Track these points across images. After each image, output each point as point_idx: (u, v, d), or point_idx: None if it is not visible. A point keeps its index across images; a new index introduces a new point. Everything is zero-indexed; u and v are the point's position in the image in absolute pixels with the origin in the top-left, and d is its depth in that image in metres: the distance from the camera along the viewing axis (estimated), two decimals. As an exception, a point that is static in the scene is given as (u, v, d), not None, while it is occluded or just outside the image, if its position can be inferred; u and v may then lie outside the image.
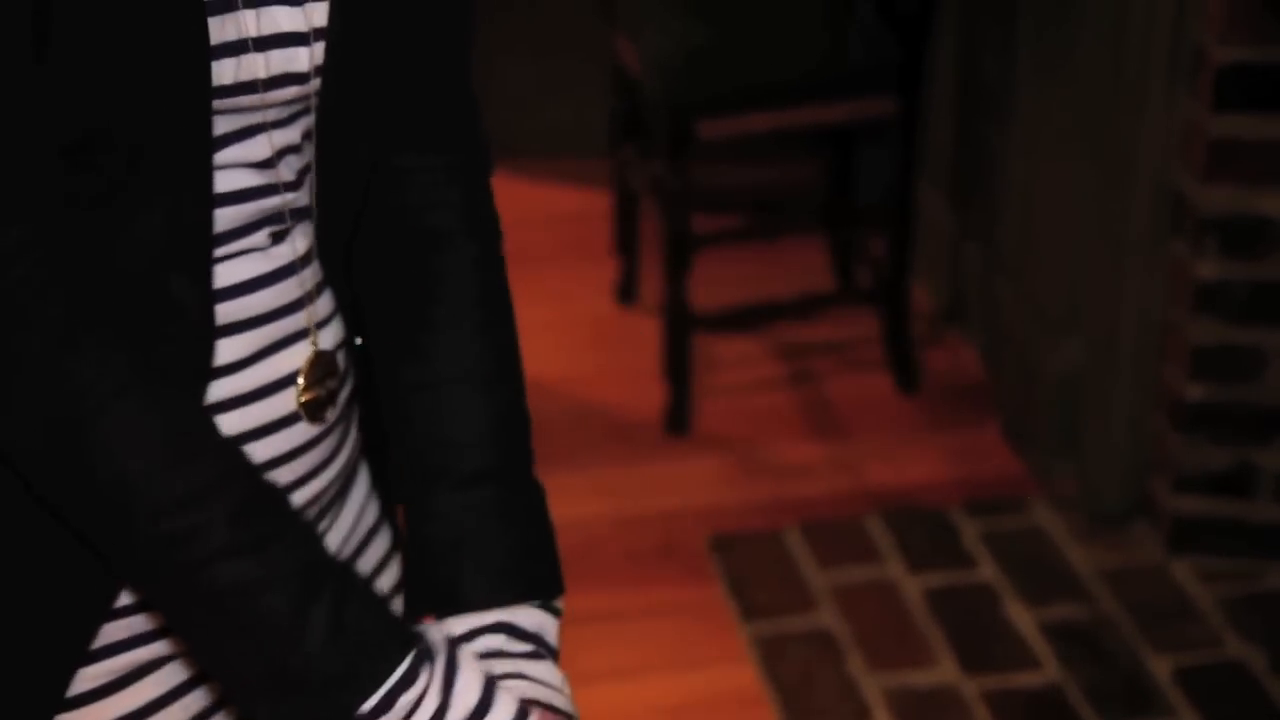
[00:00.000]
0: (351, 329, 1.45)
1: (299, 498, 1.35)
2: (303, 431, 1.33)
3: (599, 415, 3.63)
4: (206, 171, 1.23)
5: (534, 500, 1.41)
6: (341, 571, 1.21)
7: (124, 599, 1.30)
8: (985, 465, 3.54)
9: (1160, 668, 2.96)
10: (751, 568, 3.25)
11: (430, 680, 1.18)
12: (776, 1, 3.79)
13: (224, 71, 1.19)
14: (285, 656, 1.15)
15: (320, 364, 1.34)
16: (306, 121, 1.31)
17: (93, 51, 1.16)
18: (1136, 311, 3.22)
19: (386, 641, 1.18)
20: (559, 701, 1.35)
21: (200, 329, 1.26)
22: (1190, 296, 3.09)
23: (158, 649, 1.33)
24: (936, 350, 3.90)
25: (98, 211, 1.19)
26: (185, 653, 1.34)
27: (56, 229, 1.16)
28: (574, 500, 3.07)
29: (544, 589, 1.38)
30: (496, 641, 1.36)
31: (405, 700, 1.16)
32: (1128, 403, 3.31)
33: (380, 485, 1.53)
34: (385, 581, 1.52)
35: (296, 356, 1.34)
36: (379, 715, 1.16)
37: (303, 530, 1.21)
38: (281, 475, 1.32)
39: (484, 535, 1.38)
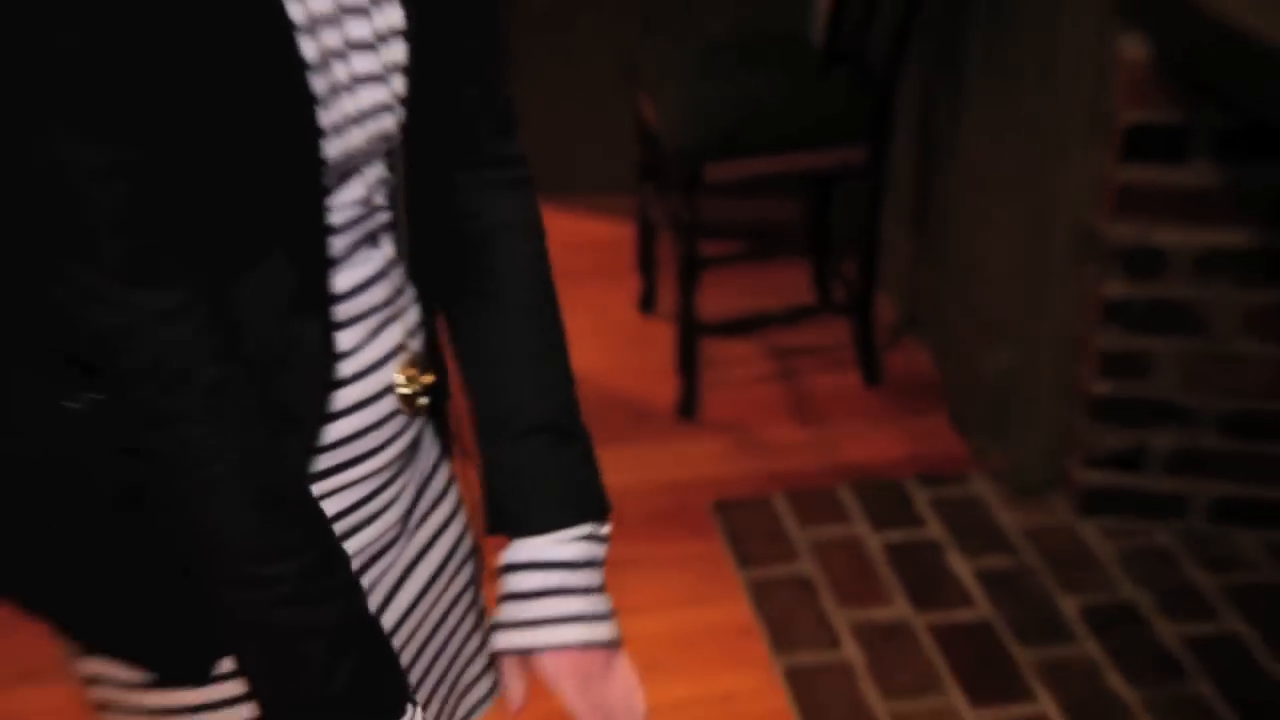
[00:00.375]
0: (430, 321, 1.47)
1: (388, 454, 1.38)
2: (397, 414, 1.37)
3: (624, 403, 3.68)
4: (321, 227, 1.27)
5: (582, 445, 1.45)
6: (370, 629, 1.26)
7: None
8: (934, 446, 3.59)
9: (1069, 606, 3.00)
10: (746, 526, 3.27)
11: None
12: (767, 68, 3.80)
13: (331, 148, 1.22)
14: (316, 692, 1.21)
15: (415, 363, 1.37)
16: (392, 157, 1.33)
17: (224, 142, 1.16)
18: (1056, 324, 3.24)
19: (392, 694, 1.25)
20: (601, 632, 1.41)
21: (324, 364, 1.30)
22: (1099, 312, 3.10)
23: None
24: (896, 353, 3.95)
25: (235, 272, 1.21)
26: None
27: (203, 292, 1.17)
28: (603, 471, 3.41)
29: (593, 513, 1.42)
30: (560, 578, 1.41)
31: None
32: (1048, 397, 3.32)
33: (441, 434, 1.53)
34: (446, 506, 1.54)
35: (393, 343, 1.37)
36: None
37: (351, 590, 1.25)
38: (370, 441, 1.37)
39: (543, 473, 1.41)
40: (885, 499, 3.37)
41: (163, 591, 1.27)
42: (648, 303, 4.19)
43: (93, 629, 1.36)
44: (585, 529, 1.42)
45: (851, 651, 2.91)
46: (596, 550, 1.43)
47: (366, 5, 1.26)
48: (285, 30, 1.17)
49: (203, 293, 1.16)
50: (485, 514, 1.44)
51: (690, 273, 3.65)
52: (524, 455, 1.42)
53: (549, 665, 1.40)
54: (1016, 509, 3.31)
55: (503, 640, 1.42)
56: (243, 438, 1.17)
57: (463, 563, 1.56)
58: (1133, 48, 2.94)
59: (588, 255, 4.28)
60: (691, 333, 3.69)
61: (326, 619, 1.20)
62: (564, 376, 1.46)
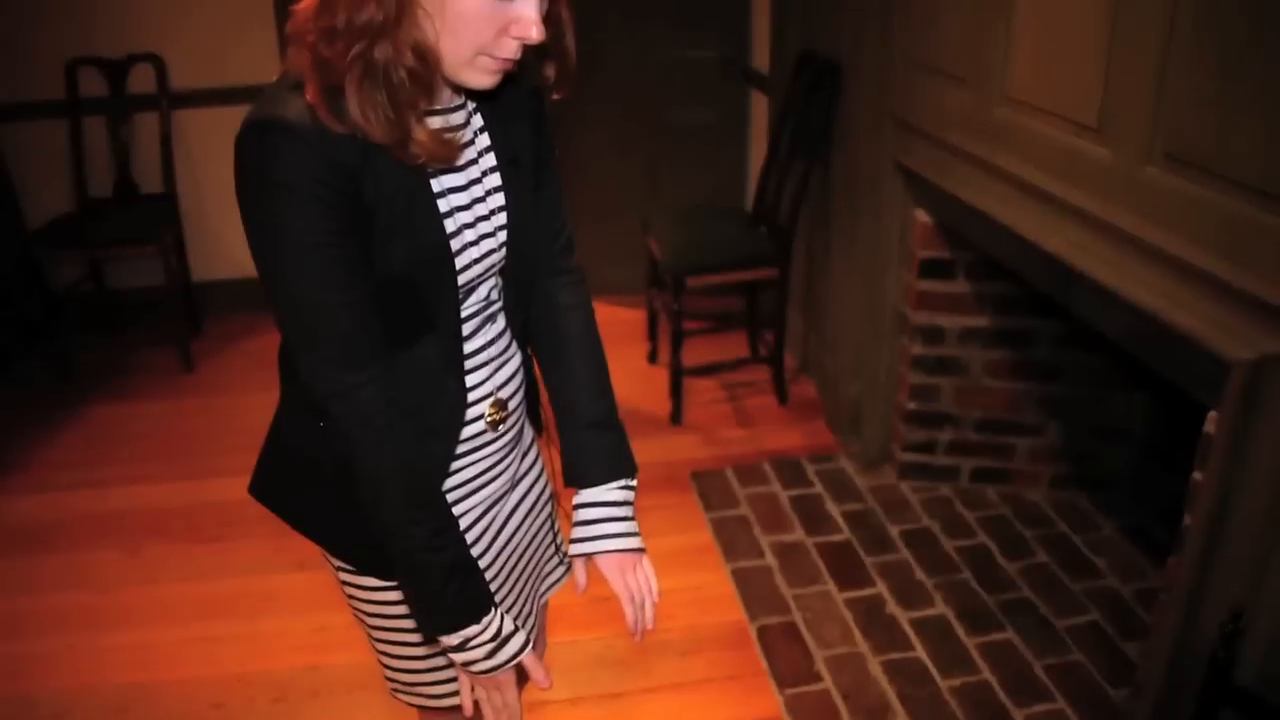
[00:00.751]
0: (528, 366, 1.46)
1: (497, 444, 1.39)
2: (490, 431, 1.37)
3: (639, 414, 3.67)
4: (458, 319, 1.28)
5: (618, 432, 1.46)
6: (469, 566, 1.27)
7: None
8: (818, 439, 3.58)
9: (894, 532, 3.03)
10: (710, 488, 3.27)
11: (496, 622, 1.28)
12: (721, 224, 3.82)
13: (462, 277, 1.25)
14: (436, 599, 1.25)
15: (497, 406, 1.37)
16: (501, 273, 1.35)
17: (402, 280, 1.20)
18: (884, 369, 3.26)
19: (481, 604, 1.27)
20: (634, 543, 1.45)
21: (460, 399, 1.32)
22: (908, 363, 3.12)
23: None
24: (796, 385, 3.94)
25: (402, 350, 1.24)
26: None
27: (384, 368, 1.19)
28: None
29: (627, 473, 1.45)
30: (610, 511, 1.44)
31: (480, 632, 1.27)
32: (881, 411, 3.31)
33: (535, 424, 1.53)
34: (536, 469, 1.52)
35: (497, 384, 1.37)
36: (471, 636, 1.27)
37: (459, 543, 1.26)
38: (485, 437, 1.37)
39: (596, 450, 1.44)
40: (790, 470, 3.37)
41: (365, 525, 1.26)
42: (653, 357, 4.17)
43: (332, 542, 1.41)
44: (622, 482, 1.45)
45: (770, 560, 2.93)
46: (630, 495, 1.45)
47: (482, 195, 1.27)
48: (437, 218, 1.20)
49: (381, 370, 1.18)
50: (562, 474, 1.47)
51: (678, 339, 3.64)
52: (585, 439, 1.44)
53: (602, 563, 1.44)
54: (865, 476, 3.33)
55: (575, 549, 1.45)
56: (400, 455, 1.21)
57: (545, 503, 1.55)
58: (921, 215, 2.96)
59: (618, 329, 4.28)
60: (678, 374, 3.68)
61: (443, 560, 1.24)
62: (607, 391, 1.47)
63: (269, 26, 4.28)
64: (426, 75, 1.11)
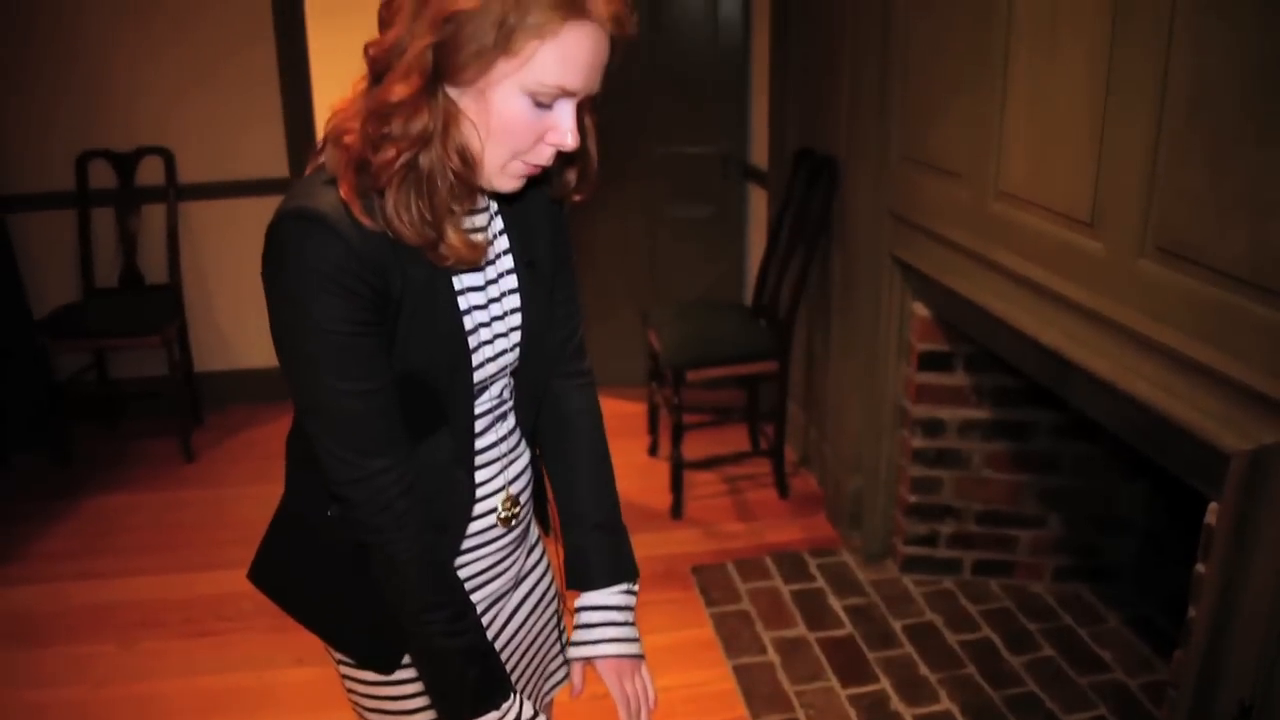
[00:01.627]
0: (536, 464, 1.47)
1: (505, 540, 1.39)
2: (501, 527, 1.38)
3: (640, 508, 3.66)
4: (471, 416, 1.30)
5: (622, 536, 1.48)
6: (488, 650, 1.27)
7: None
8: (819, 533, 3.57)
9: (897, 626, 3.00)
10: (711, 583, 3.25)
11: (516, 708, 1.28)
12: (721, 318, 3.85)
13: (477, 375, 1.27)
14: (456, 685, 1.25)
15: (509, 502, 1.38)
16: (514, 374, 1.37)
17: (420, 375, 1.21)
18: (886, 462, 3.27)
19: (502, 688, 1.28)
20: (633, 649, 1.45)
21: (469, 494, 1.32)
22: (909, 456, 3.13)
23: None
24: (797, 479, 3.95)
25: (414, 444, 1.24)
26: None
27: (403, 455, 1.21)
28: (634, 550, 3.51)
29: (628, 578, 1.47)
30: (610, 615, 1.45)
31: (501, 718, 1.26)
32: (883, 504, 3.31)
33: (541, 523, 1.55)
34: (541, 568, 1.53)
35: (506, 480, 1.37)
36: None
37: (477, 628, 1.27)
38: (493, 533, 1.38)
39: (600, 554, 1.46)
40: (792, 564, 3.35)
41: (369, 616, 1.28)
42: (653, 450, 4.16)
43: (332, 633, 1.40)
44: (624, 587, 1.47)
45: (772, 656, 2.90)
46: (631, 600, 1.47)
47: (498, 295, 1.30)
48: (457, 318, 1.23)
49: (401, 457, 1.20)
50: (565, 575, 1.48)
51: (678, 433, 3.65)
52: (589, 542, 1.45)
53: (600, 667, 1.45)
54: (867, 569, 3.31)
55: (573, 651, 1.46)
56: (418, 541, 1.21)
57: (550, 601, 1.56)
58: (920, 308, 3.00)
59: (619, 422, 4.03)
60: (679, 468, 3.68)
61: (462, 645, 1.25)
62: (612, 494, 1.48)
63: (276, 122, 4.39)
64: (470, 179, 1.15)
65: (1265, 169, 1.55)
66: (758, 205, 4.53)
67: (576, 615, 1.47)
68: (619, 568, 1.47)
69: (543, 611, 1.55)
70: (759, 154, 4.41)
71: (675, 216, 4.65)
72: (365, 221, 1.11)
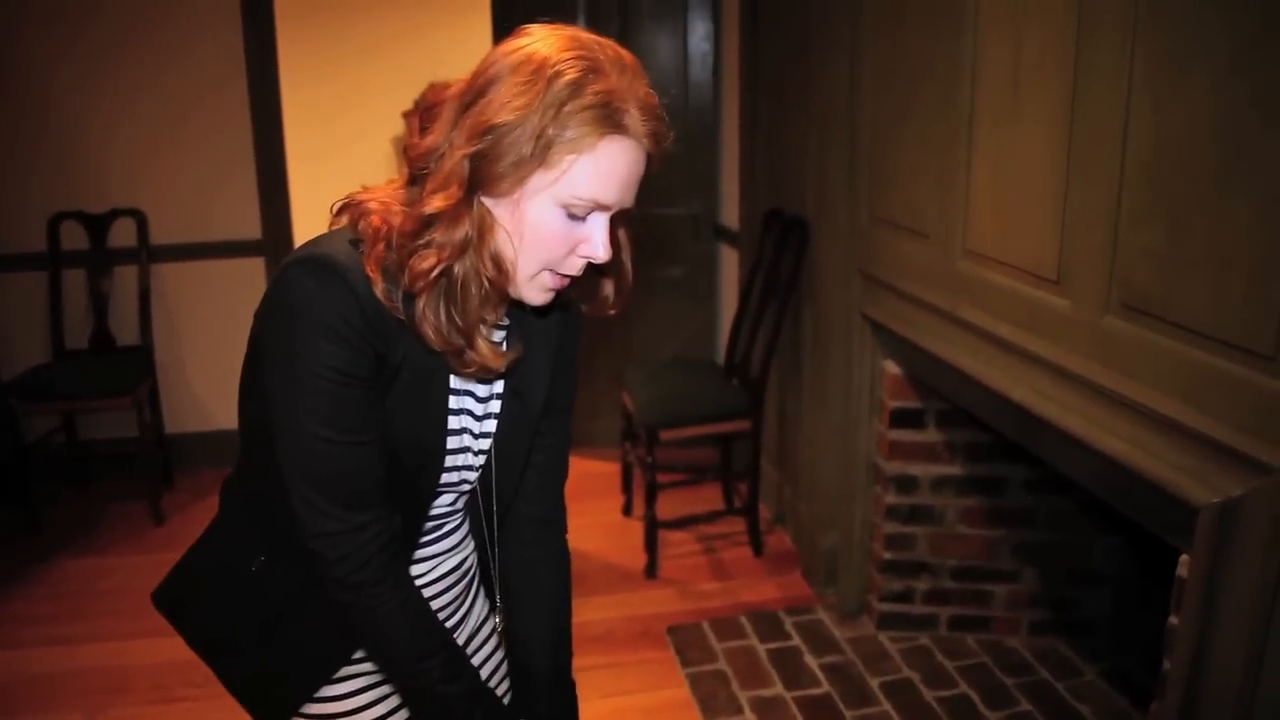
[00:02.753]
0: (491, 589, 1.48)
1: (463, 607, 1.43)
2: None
3: (614, 568, 3.65)
4: (425, 509, 1.32)
5: (573, 694, 1.49)
6: (486, 690, 1.28)
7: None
8: (794, 591, 3.56)
9: (874, 684, 2.98)
10: (687, 643, 3.21)
11: None
12: (694, 377, 3.88)
13: (447, 465, 1.29)
14: None
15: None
16: (469, 484, 1.37)
17: (392, 437, 1.21)
18: (859, 519, 3.27)
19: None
20: None
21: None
22: (882, 513, 3.13)
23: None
24: (771, 537, 3.95)
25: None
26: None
27: (385, 511, 1.20)
28: (602, 609, 3.27)
29: None
30: None
31: None
32: (857, 561, 3.31)
33: (489, 595, 1.51)
34: (490, 632, 1.52)
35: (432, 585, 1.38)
36: None
37: (472, 674, 1.27)
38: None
39: (553, 711, 1.46)
40: (768, 623, 3.34)
41: (267, 666, 1.30)
42: (627, 510, 4.14)
43: (228, 670, 1.40)
44: None
45: (749, 716, 2.86)
46: None
47: (483, 416, 1.32)
48: (444, 411, 1.26)
49: (382, 513, 1.19)
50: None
51: (652, 492, 3.66)
52: (543, 694, 1.45)
53: None
54: (843, 627, 3.30)
55: None
56: (399, 591, 1.21)
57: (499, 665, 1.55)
58: (891, 367, 3.03)
59: (592, 482, 4.32)
60: (653, 527, 3.66)
61: (462, 689, 1.25)
62: (568, 645, 1.49)
63: (249, 185, 4.40)
64: (502, 286, 1.17)
65: (1223, 227, 1.59)
66: (729, 265, 4.57)
67: None
68: None
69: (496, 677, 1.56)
70: (729, 214, 4.47)
71: (647, 277, 4.55)
72: (379, 294, 1.12)
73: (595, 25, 4.36)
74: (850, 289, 3.13)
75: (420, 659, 1.22)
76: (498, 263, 1.15)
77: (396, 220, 1.14)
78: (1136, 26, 1.76)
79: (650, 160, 1.19)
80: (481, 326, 1.19)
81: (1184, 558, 1.72)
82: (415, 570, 1.35)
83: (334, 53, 5.28)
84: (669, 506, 3.95)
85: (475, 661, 1.49)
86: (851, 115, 3.04)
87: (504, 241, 1.15)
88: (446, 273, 1.14)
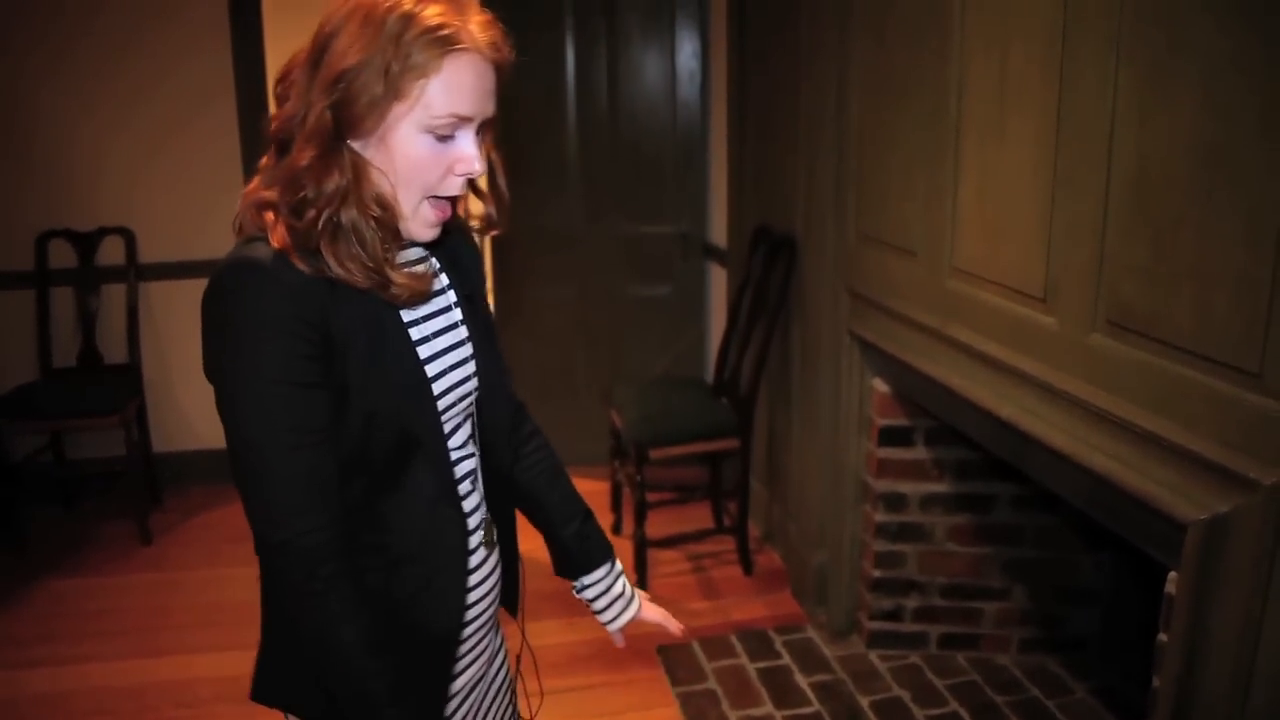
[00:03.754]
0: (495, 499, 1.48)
1: (488, 604, 1.43)
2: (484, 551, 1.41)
3: None
4: (446, 452, 1.32)
5: (594, 523, 1.62)
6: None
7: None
8: (784, 610, 3.56)
9: (864, 703, 2.98)
10: (677, 662, 3.21)
11: None
12: (683, 396, 3.88)
13: (442, 402, 1.30)
14: None
15: (488, 525, 1.42)
16: (474, 396, 1.40)
17: (371, 395, 1.21)
18: (849, 537, 3.27)
19: None
20: (643, 594, 1.67)
21: (461, 529, 1.34)
22: (872, 531, 3.13)
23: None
24: (761, 555, 3.94)
25: (394, 489, 1.26)
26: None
27: (333, 518, 1.18)
28: (592, 628, 3.26)
29: (609, 555, 1.62)
30: (622, 583, 1.63)
31: None
32: (847, 579, 3.31)
33: (510, 603, 1.56)
34: (503, 648, 1.57)
35: (483, 511, 1.42)
36: None
37: (413, 699, 1.24)
38: (485, 589, 1.42)
39: (591, 539, 1.59)
40: (758, 642, 3.34)
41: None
42: (617, 529, 4.13)
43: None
44: (613, 559, 1.63)
45: None
46: (619, 566, 1.65)
47: (448, 326, 1.34)
48: (411, 350, 1.26)
49: (330, 520, 1.18)
50: (560, 567, 1.60)
51: (641, 511, 3.65)
52: (583, 531, 1.58)
53: (643, 613, 1.67)
54: (833, 645, 3.30)
55: (617, 622, 1.65)
56: (349, 605, 1.18)
57: (509, 688, 1.60)
58: (880, 385, 3.04)
59: None
60: (643, 546, 3.67)
61: (407, 713, 1.22)
62: (578, 501, 1.61)
63: (237, 201, 4.38)
64: (391, 222, 1.22)
65: (1208, 243, 1.60)
66: (717, 283, 4.58)
67: (589, 593, 1.62)
68: (606, 548, 1.62)
69: (503, 687, 1.57)
70: (718, 233, 4.48)
71: (636, 295, 4.69)
72: (302, 267, 1.16)
73: (582, 42, 4.40)
74: (838, 307, 3.14)
75: (369, 677, 1.19)
76: (381, 202, 1.20)
77: (275, 193, 1.19)
78: (1120, 44, 1.77)
79: (499, 70, 1.23)
80: (389, 259, 1.22)
81: (1172, 575, 1.72)
82: (465, 507, 1.36)
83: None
84: (658, 525, 3.94)
85: (493, 688, 1.52)
86: (839, 133, 3.06)
87: (380, 180, 1.20)
88: (337, 224, 1.18)
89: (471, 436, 1.42)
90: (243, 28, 4.33)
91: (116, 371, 4.34)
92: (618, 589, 1.63)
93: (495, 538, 1.44)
